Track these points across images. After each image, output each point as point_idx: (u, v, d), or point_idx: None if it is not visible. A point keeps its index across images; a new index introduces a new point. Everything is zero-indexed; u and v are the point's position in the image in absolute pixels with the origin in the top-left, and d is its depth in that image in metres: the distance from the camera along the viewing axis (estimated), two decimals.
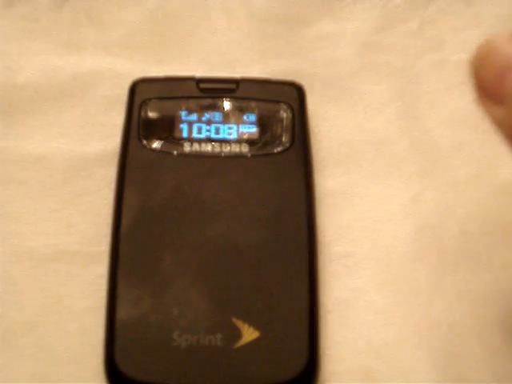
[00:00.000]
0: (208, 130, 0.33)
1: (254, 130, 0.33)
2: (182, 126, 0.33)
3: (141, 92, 0.33)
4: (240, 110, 0.33)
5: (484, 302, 0.31)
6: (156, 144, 0.32)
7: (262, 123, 0.33)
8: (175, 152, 0.32)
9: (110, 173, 0.32)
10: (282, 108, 0.33)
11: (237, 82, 0.34)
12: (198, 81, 0.34)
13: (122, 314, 0.28)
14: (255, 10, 0.38)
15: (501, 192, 0.33)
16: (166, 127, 0.33)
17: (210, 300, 0.29)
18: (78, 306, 0.30)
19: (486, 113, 0.23)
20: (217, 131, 0.33)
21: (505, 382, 0.29)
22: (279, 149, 0.32)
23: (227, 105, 0.33)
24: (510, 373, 0.30)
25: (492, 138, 0.35)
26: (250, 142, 0.32)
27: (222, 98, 0.33)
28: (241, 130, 0.33)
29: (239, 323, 0.28)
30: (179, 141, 0.32)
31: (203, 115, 0.33)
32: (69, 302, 0.30)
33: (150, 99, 0.33)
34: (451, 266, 0.32)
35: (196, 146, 0.32)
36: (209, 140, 0.32)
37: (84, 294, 0.30)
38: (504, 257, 0.32)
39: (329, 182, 0.33)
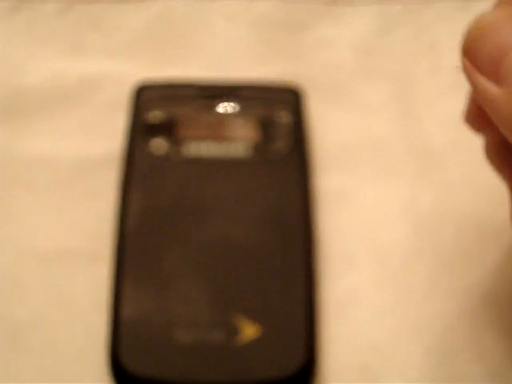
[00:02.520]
0: (209, 133, 0.33)
1: (253, 133, 0.33)
2: (183, 128, 0.33)
3: (144, 95, 0.34)
4: (240, 114, 0.34)
5: (479, 301, 0.31)
6: (158, 146, 0.33)
7: (262, 126, 0.33)
8: (177, 154, 0.32)
9: (114, 174, 0.33)
10: (281, 111, 0.33)
11: (237, 85, 0.34)
12: (200, 84, 0.34)
13: (125, 312, 0.29)
14: (255, 15, 0.38)
15: (495, 193, 0.34)
16: (168, 130, 0.33)
17: (212, 298, 0.29)
18: (82, 304, 0.31)
19: (474, 85, 0.22)
20: (217, 134, 0.33)
21: (499, 380, 0.30)
22: (279, 151, 0.33)
23: (228, 108, 0.34)
24: (505, 371, 0.30)
25: None
26: (250, 145, 0.33)
27: (223, 101, 0.34)
28: (241, 133, 0.33)
29: (240, 321, 0.29)
30: (181, 143, 0.33)
31: (204, 118, 0.33)
32: (73, 300, 0.31)
33: (152, 102, 0.33)
34: (447, 266, 0.32)
35: (197, 149, 0.32)
36: (210, 143, 0.33)
37: (88, 293, 0.31)
38: (498, 257, 0.32)
39: (327, 183, 0.34)
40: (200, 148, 0.33)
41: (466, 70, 0.22)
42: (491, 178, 0.34)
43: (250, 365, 0.28)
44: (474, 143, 0.35)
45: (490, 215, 0.33)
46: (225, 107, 0.34)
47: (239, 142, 0.33)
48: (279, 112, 0.34)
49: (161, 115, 0.33)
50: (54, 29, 0.37)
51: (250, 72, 0.36)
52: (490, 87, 0.21)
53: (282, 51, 0.37)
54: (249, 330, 0.29)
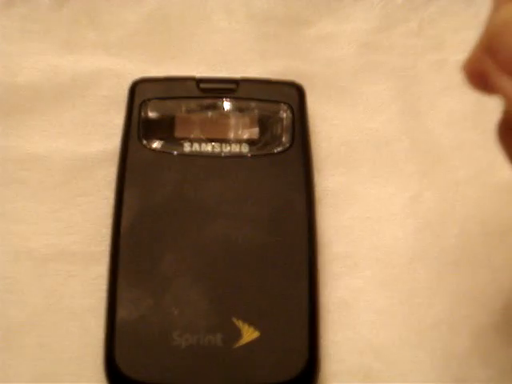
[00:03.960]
0: (208, 130, 0.33)
1: (253, 130, 0.33)
2: (181, 125, 0.33)
3: (141, 92, 0.33)
4: (240, 110, 0.33)
5: (483, 302, 0.31)
6: (156, 144, 0.32)
7: (262, 123, 0.33)
8: (175, 152, 0.32)
9: (110, 173, 0.32)
10: (281, 108, 0.33)
11: (237, 82, 0.34)
12: (198, 81, 0.34)
13: (122, 313, 0.28)
14: (255, 10, 0.38)
15: (500, 192, 0.33)
16: (166, 127, 0.33)
17: (210, 300, 0.29)
18: (78, 305, 0.30)
19: (497, 87, 0.21)
20: (216, 131, 0.33)
21: (503, 382, 0.29)
22: (279, 149, 0.32)
23: (227, 105, 0.33)
24: (509, 373, 0.30)
25: (491, 138, 0.35)
26: (250, 142, 0.32)
27: (222, 98, 0.33)
28: (241, 130, 0.33)
29: (239, 323, 0.28)
30: (179, 141, 0.32)
31: (203, 115, 0.33)
32: (69, 301, 0.30)
33: (149, 99, 0.33)
34: (451, 266, 0.32)
35: (196, 146, 0.32)
36: (209, 140, 0.32)
37: (84, 294, 0.30)
38: (503, 257, 0.32)
39: (329, 181, 0.33)
40: (199, 145, 0.32)
41: (485, 68, 0.21)
42: (496, 177, 0.34)
43: (250, 368, 0.28)
44: (478, 141, 0.35)
45: (495, 214, 0.33)
46: (224, 104, 0.33)
47: (238, 138, 0.32)
48: (280, 109, 0.33)
49: (159, 112, 0.33)
50: (49, 23, 0.37)
51: (250, 68, 0.36)
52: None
53: (283, 47, 0.37)
54: (249, 333, 0.28)
